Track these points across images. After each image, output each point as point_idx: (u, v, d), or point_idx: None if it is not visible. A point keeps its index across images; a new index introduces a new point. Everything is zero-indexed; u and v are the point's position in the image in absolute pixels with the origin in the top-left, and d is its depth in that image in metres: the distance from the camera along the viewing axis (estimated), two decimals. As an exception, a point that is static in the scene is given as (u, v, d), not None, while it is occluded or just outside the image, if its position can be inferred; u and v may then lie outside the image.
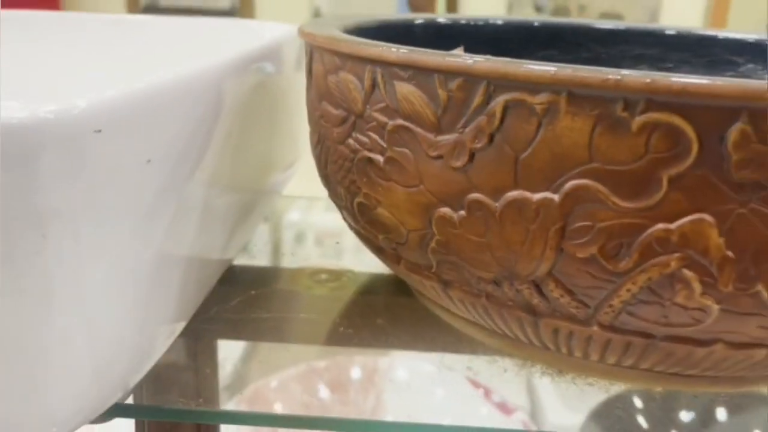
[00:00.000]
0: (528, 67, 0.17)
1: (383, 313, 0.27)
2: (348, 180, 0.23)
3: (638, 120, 0.16)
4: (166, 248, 0.21)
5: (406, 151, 0.20)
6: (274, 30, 0.35)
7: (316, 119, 0.25)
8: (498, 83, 0.17)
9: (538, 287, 0.19)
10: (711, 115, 0.16)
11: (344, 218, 0.26)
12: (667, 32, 0.33)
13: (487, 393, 0.77)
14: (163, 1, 1.97)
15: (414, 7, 1.90)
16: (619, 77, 0.16)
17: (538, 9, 1.57)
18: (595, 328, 0.19)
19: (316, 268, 0.30)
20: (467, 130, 0.18)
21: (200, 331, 0.25)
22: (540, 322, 0.20)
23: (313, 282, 0.29)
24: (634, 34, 0.34)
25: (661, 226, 0.17)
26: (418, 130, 0.19)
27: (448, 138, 0.19)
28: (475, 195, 0.19)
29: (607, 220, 0.17)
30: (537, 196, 0.18)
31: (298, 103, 0.34)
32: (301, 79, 0.34)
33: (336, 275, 0.30)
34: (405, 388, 0.80)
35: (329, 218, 0.36)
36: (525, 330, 0.21)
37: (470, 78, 0.18)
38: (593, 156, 0.17)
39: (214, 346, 0.29)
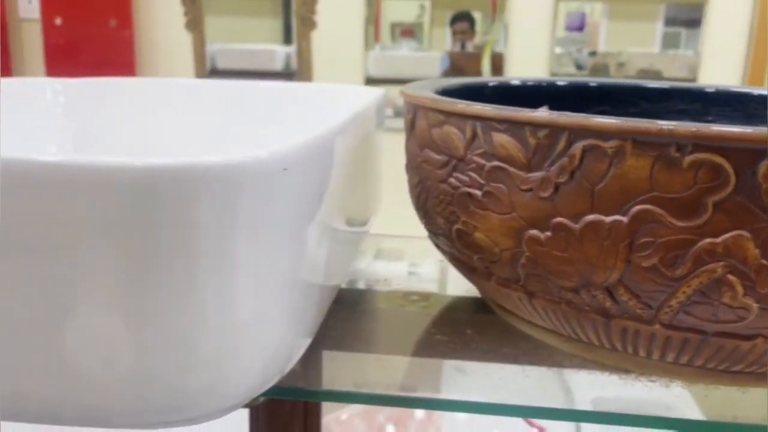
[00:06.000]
0: (601, 120, 0.22)
1: (470, 326, 0.32)
2: (448, 211, 0.28)
3: (687, 159, 0.21)
4: (308, 271, 0.26)
5: (502, 186, 0.25)
6: (360, 94, 0.41)
7: (418, 164, 0.30)
8: (577, 133, 0.23)
9: (610, 293, 0.24)
10: (744, 154, 0.21)
11: (438, 244, 0.31)
12: (707, 90, 0.39)
13: (542, 431, 0.80)
14: (220, 65, 2.12)
15: (456, 68, 1.97)
16: (672, 127, 0.21)
17: (579, 67, 1.64)
18: (657, 326, 0.24)
19: (407, 291, 0.36)
20: (553, 168, 0.24)
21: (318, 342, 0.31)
22: (611, 323, 0.25)
23: (406, 301, 0.34)
24: (677, 92, 0.39)
25: (708, 240, 0.22)
26: (512, 169, 0.25)
27: (536, 175, 0.24)
28: (559, 219, 0.24)
29: (665, 236, 0.22)
30: (609, 219, 0.23)
31: (378, 156, 0.40)
32: (380, 136, 0.40)
33: (424, 296, 0.35)
34: (464, 427, 0.84)
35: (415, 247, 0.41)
36: (598, 332, 0.26)
37: (555, 129, 0.23)
38: (653, 187, 0.22)
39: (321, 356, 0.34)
